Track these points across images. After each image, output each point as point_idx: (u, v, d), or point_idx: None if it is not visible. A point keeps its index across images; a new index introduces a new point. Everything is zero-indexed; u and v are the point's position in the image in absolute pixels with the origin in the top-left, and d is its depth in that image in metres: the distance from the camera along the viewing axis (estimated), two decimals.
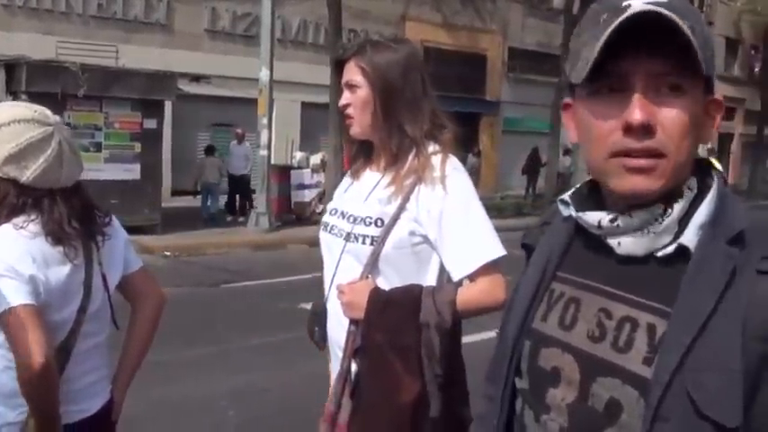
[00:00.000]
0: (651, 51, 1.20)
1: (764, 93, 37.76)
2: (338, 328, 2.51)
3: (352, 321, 2.43)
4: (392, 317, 2.29)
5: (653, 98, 1.22)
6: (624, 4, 1.20)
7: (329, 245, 2.60)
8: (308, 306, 7.72)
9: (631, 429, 1.20)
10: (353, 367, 2.43)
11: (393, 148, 2.47)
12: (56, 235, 2.33)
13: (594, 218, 1.32)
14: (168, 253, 13.90)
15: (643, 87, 1.21)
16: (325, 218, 2.65)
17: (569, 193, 1.44)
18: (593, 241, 1.35)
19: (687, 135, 1.23)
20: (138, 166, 15.46)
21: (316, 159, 19.12)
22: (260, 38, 17.37)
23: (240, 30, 21.79)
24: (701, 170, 1.32)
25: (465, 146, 18.33)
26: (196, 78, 18.66)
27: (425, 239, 2.39)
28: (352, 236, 2.47)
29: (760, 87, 38.43)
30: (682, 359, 1.15)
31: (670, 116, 1.22)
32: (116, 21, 19.92)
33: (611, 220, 1.29)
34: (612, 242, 1.30)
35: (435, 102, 2.53)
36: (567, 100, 1.41)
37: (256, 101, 17.16)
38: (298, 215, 18.33)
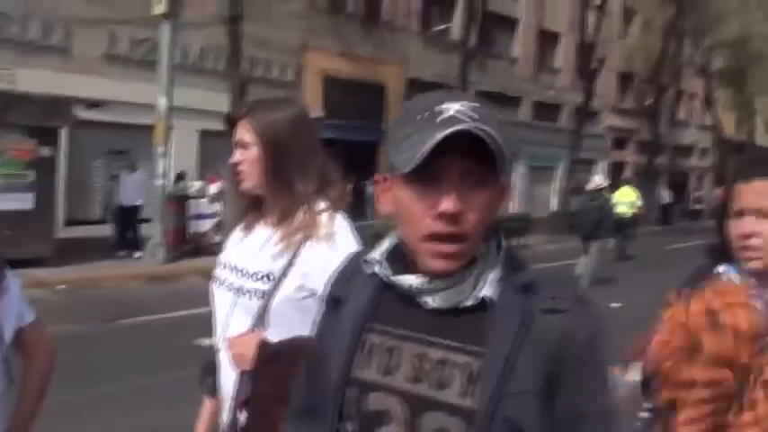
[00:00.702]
0: (464, 155, 1.45)
1: (655, 124, 39.15)
2: (228, 379, 2.55)
3: (241, 373, 2.46)
4: (278, 368, 2.32)
5: (463, 191, 1.46)
6: (438, 108, 1.49)
7: (220, 298, 2.65)
8: (206, 342, 7.68)
9: None
10: (241, 417, 2.46)
11: (283, 204, 2.55)
12: None
13: (407, 281, 1.56)
14: (62, 287, 13.43)
15: (456, 182, 1.46)
16: (217, 271, 2.70)
17: (378, 253, 1.64)
18: (403, 296, 1.58)
19: (484, 220, 1.51)
20: (31, 196, 14.91)
21: (213, 189, 18.81)
22: (158, 64, 17.05)
23: (139, 55, 21.18)
24: (491, 233, 1.59)
25: (365, 175, 18.42)
26: (94, 104, 18.31)
27: (312, 294, 2.42)
28: (243, 290, 2.54)
29: (650, 119, 39.80)
30: (498, 389, 1.43)
31: (476, 206, 1.48)
32: (12, 43, 19.35)
33: (422, 284, 1.54)
34: (423, 299, 1.55)
35: (325, 159, 2.62)
36: (382, 176, 1.63)
37: (152, 128, 16.82)
38: (195, 246, 17.96)
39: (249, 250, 2.61)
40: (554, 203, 35.86)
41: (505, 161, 1.47)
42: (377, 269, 1.62)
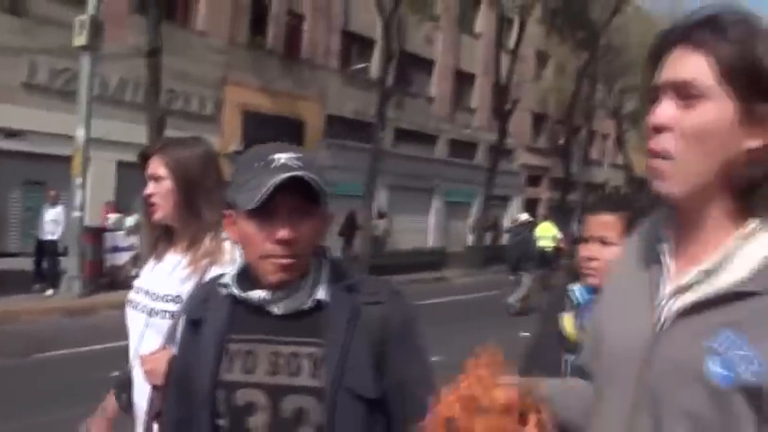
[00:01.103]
0: (293, 194, 1.85)
1: (567, 162, 40.18)
2: (141, 394, 2.77)
3: (154, 387, 2.68)
4: None
5: (293, 221, 1.88)
6: (271, 157, 1.88)
7: (133, 319, 2.90)
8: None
9: (315, 424, 1.87)
10: (155, 429, 2.66)
11: (192, 232, 2.83)
12: None
13: (257, 295, 1.95)
14: None
15: (288, 214, 1.87)
16: (131, 295, 2.94)
17: (229, 277, 2.03)
18: (254, 308, 1.97)
19: (312, 242, 1.94)
20: None
21: (131, 221, 18.46)
22: (78, 94, 16.79)
23: (58, 85, 20.82)
24: (320, 250, 2.03)
25: None
26: (11, 134, 18.05)
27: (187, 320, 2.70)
28: (154, 311, 2.80)
29: (563, 157, 40.84)
30: (340, 369, 1.87)
31: (304, 232, 1.90)
32: None
33: (268, 296, 1.94)
34: (271, 308, 1.95)
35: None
36: (228, 212, 2.01)
37: (71, 159, 16.59)
38: (111, 279, 17.58)
39: (160, 275, 2.86)
40: (470, 238, 36.45)
41: (325, 197, 1.91)
42: (230, 290, 2.00)
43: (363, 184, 25.67)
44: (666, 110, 1.40)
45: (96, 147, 17.36)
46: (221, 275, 2.10)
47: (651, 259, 1.51)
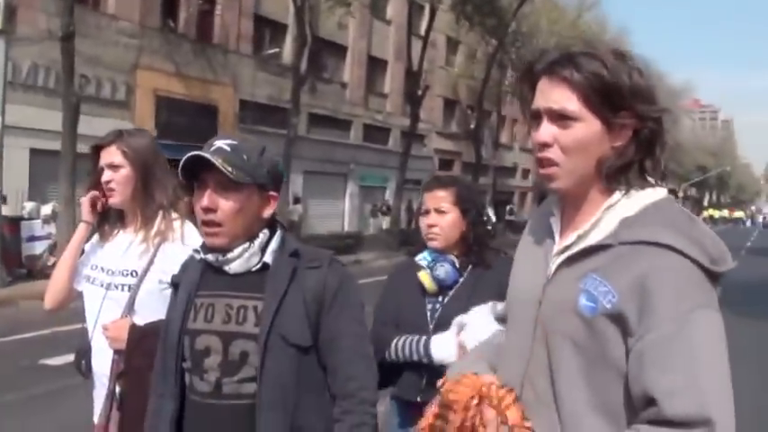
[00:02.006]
0: (212, 170, 2.25)
1: (478, 147, 40.86)
2: (103, 360, 3.10)
3: (116, 352, 3.03)
4: (147, 345, 2.81)
5: (217, 193, 2.28)
6: (212, 143, 2.31)
7: (91, 294, 3.21)
8: (51, 362, 7.91)
9: (254, 365, 2.24)
10: (118, 388, 3.01)
11: (146, 214, 3.14)
12: None
13: (212, 256, 2.34)
14: None
15: (213, 187, 2.27)
16: (86, 272, 3.24)
17: (199, 245, 2.42)
18: (216, 269, 2.37)
19: (239, 215, 2.31)
20: None
21: (47, 210, 17.80)
22: None
23: None
24: (273, 224, 2.42)
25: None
26: None
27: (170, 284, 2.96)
28: (112, 285, 3.11)
29: (474, 142, 41.52)
30: (273, 318, 2.24)
31: (227, 205, 2.29)
32: None
33: (216, 257, 2.34)
34: (226, 268, 2.35)
35: (175, 177, 3.13)
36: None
37: None
38: (29, 269, 17.03)
39: (115, 252, 3.17)
40: (385, 221, 36.86)
41: (241, 178, 2.26)
42: (195, 254, 2.43)
43: None
44: (547, 130, 1.80)
45: (9, 133, 16.86)
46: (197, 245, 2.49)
47: (546, 229, 1.96)
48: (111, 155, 3.12)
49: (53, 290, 3.31)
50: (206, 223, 2.31)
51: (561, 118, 1.79)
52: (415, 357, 3.21)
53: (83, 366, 3.30)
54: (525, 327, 1.89)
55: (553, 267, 1.85)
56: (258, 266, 2.35)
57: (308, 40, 26.64)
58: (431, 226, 3.32)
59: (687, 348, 1.60)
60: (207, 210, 2.28)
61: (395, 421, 3.40)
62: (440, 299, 3.33)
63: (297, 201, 29.27)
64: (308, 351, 2.29)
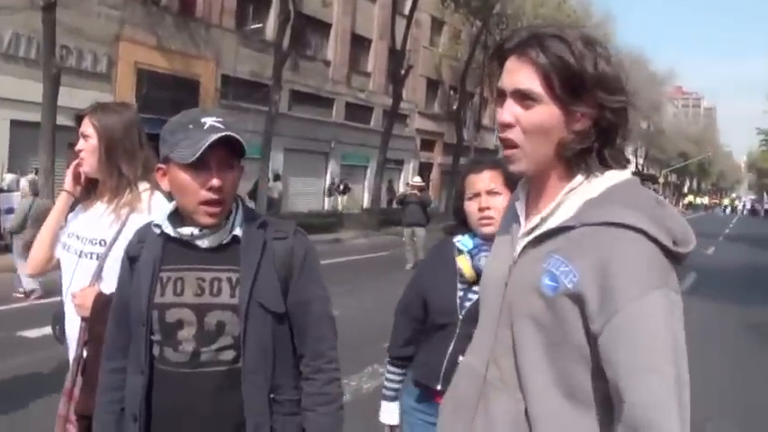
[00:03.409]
0: (220, 150, 2.30)
1: (459, 128, 40.95)
2: (73, 325, 3.22)
3: (83, 318, 3.12)
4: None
5: (221, 172, 2.32)
6: (201, 120, 2.32)
7: (66, 260, 3.31)
8: (28, 333, 7.97)
9: (231, 334, 2.35)
10: (84, 353, 3.10)
11: (113, 185, 3.24)
12: None
13: (188, 231, 2.40)
14: None
15: (217, 165, 2.32)
16: (64, 239, 3.35)
17: (160, 219, 2.46)
18: (178, 242, 2.42)
19: (234, 190, 2.39)
20: None
21: (26, 181, 17.11)
22: None
23: None
24: (237, 197, 2.49)
25: None
26: None
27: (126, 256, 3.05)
28: (83, 253, 3.21)
29: (456, 123, 41.59)
30: (251, 288, 2.34)
31: (229, 181, 2.36)
32: None
33: (196, 232, 2.39)
34: (198, 243, 2.41)
35: (149, 151, 3.29)
36: (161, 165, 2.42)
37: None
38: (5, 242, 16.50)
39: (88, 221, 3.27)
40: (366, 200, 36.92)
41: (244, 153, 2.38)
42: (163, 229, 2.44)
43: (259, 146, 25.65)
44: (509, 110, 1.82)
45: None
46: (153, 220, 2.54)
47: (514, 214, 2.00)
48: (85, 125, 3.28)
49: (34, 258, 3.47)
50: (212, 203, 2.35)
51: (524, 98, 1.80)
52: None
53: (57, 331, 3.42)
54: (492, 308, 1.94)
55: (518, 249, 1.89)
56: (228, 239, 2.43)
57: (292, 17, 26.49)
58: (482, 209, 3.13)
59: (642, 334, 1.63)
60: (218, 189, 2.33)
61: (410, 402, 3.43)
62: (475, 288, 3.13)
63: (277, 178, 29.22)
64: (283, 318, 2.42)
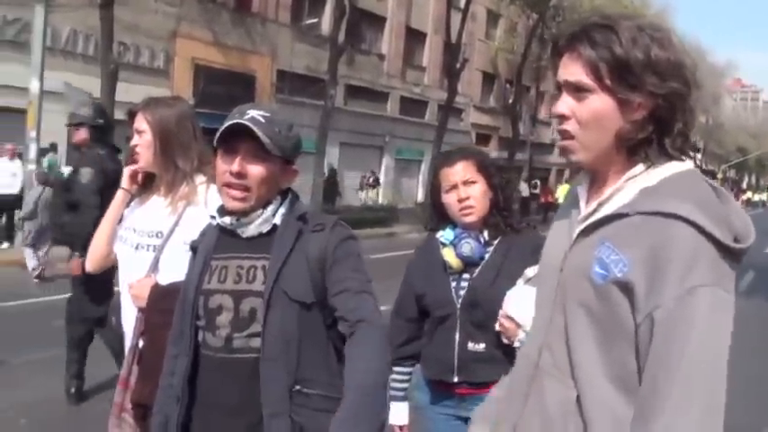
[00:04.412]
0: (246, 139, 2.37)
1: (515, 122, 40.66)
2: (129, 316, 3.25)
3: (139, 309, 3.15)
4: (167, 304, 2.85)
5: (247, 160, 2.38)
6: (245, 111, 2.39)
7: (122, 253, 3.37)
8: None
9: (261, 321, 2.35)
10: (140, 343, 3.14)
11: (169, 179, 3.28)
12: None
13: (226, 220, 2.47)
14: None
15: (243, 154, 2.38)
16: (120, 232, 3.39)
17: (214, 209, 2.54)
18: (230, 232, 2.49)
19: (265, 182, 2.42)
20: None
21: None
22: (30, 45, 16.60)
23: (9, 36, 20.60)
24: (286, 192, 2.54)
25: None
26: None
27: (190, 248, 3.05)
28: (140, 245, 3.26)
29: (512, 117, 41.31)
30: (276, 276, 2.36)
31: (255, 172, 2.40)
32: None
33: (233, 220, 2.46)
34: (240, 231, 2.47)
35: (203, 144, 3.33)
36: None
37: (23, 111, 16.44)
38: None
39: (145, 214, 3.32)
40: (420, 195, 36.86)
41: (274, 150, 2.38)
42: (212, 220, 2.54)
43: (314, 140, 25.77)
44: (565, 103, 1.82)
45: (48, 99, 17.11)
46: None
47: (575, 199, 1.98)
48: (138, 121, 3.32)
49: (93, 253, 3.52)
50: (233, 186, 2.41)
51: (577, 90, 1.80)
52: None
53: (113, 322, 3.51)
54: (548, 293, 1.93)
55: (574, 235, 1.87)
56: (268, 229, 2.48)
57: (347, 11, 26.56)
58: (462, 200, 3.24)
59: (677, 342, 1.58)
60: (237, 174, 2.38)
61: (426, 398, 3.43)
62: (465, 276, 3.28)
63: (332, 172, 29.35)
64: (311, 308, 2.40)
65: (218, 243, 2.54)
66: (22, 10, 18.59)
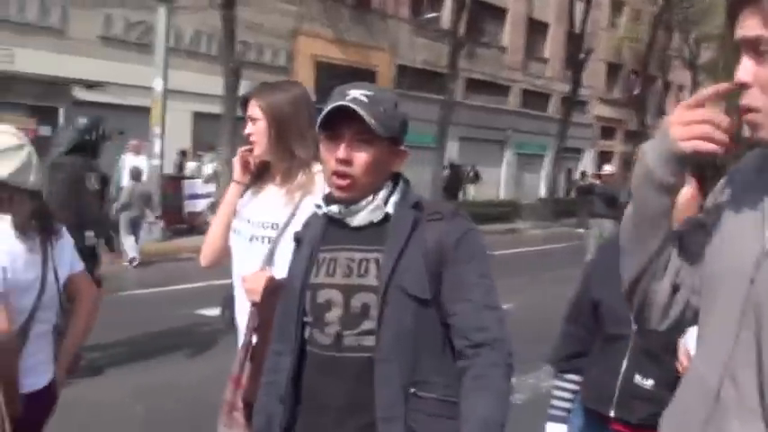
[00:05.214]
0: (350, 121, 2.17)
1: (642, 114, 39.54)
2: (242, 311, 3.08)
3: (253, 303, 2.96)
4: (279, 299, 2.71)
5: (353, 145, 2.20)
6: (346, 92, 2.20)
7: (236, 245, 3.20)
8: (206, 312, 8.09)
9: (375, 317, 2.17)
10: (254, 339, 2.95)
11: (285, 167, 3.10)
12: (22, 229, 2.82)
13: (333, 209, 2.29)
14: None
15: (348, 139, 2.20)
16: (234, 223, 3.23)
17: (320, 198, 2.37)
18: (337, 222, 2.31)
19: (374, 167, 2.22)
20: None
21: (208, 169, 18.90)
22: (153, 46, 17.17)
23: (133, 38, 21.46)
24: (396, 177, 2.34)
25: None
26: (92, 85, 18.48)
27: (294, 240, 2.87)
28: (254, 237, 3.09)
29: (638, 109, 40.19)
30: (392, 270, 2.16)
31: (362, 157, 2.20)
32: (11, 23, 19.40)
33: (340, 209, 2.28)
34: (348, 220, 2.29)
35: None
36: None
37: (149, 110, 16.99)
38: (190, 225, 18.06)
39: (260, 205, 3.16)
40: (542, 190, 36.27)
41: (381, 131, 2.18)
42: (317, 209, 2.37)
43: (434, 135, 25.60)
44: (744, 68, 1.49)
45: (172, 97, 17.75)
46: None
47: (760, 189, 1.56)
48: (252, 108, 3.14)
49: (207, 248, 3.39)
50: (339, 174, 2.25)
51: (755, 49, 1.46)
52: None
53: (226, 316, 3.32)
54: (730, 309, 1.53)
55: None
56: (380, 218, 2.29)
57: (467, 4, 26.33)
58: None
59: None
60: (343, 161, 2.22)
61: (577, 423, 3.09)
62: None
63: (455, 167, 29.19)
64: (428, 304, 2.20)
65: (325, 234, 2.37)
66: (145, 13, 19.10)
